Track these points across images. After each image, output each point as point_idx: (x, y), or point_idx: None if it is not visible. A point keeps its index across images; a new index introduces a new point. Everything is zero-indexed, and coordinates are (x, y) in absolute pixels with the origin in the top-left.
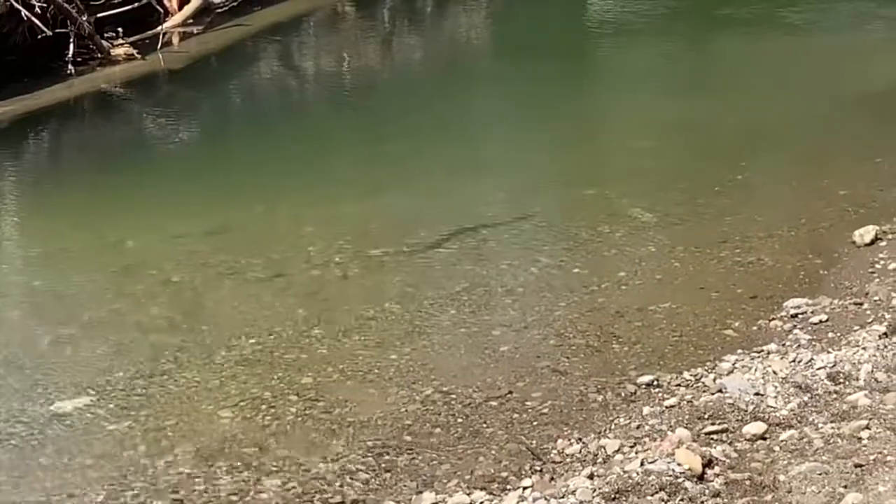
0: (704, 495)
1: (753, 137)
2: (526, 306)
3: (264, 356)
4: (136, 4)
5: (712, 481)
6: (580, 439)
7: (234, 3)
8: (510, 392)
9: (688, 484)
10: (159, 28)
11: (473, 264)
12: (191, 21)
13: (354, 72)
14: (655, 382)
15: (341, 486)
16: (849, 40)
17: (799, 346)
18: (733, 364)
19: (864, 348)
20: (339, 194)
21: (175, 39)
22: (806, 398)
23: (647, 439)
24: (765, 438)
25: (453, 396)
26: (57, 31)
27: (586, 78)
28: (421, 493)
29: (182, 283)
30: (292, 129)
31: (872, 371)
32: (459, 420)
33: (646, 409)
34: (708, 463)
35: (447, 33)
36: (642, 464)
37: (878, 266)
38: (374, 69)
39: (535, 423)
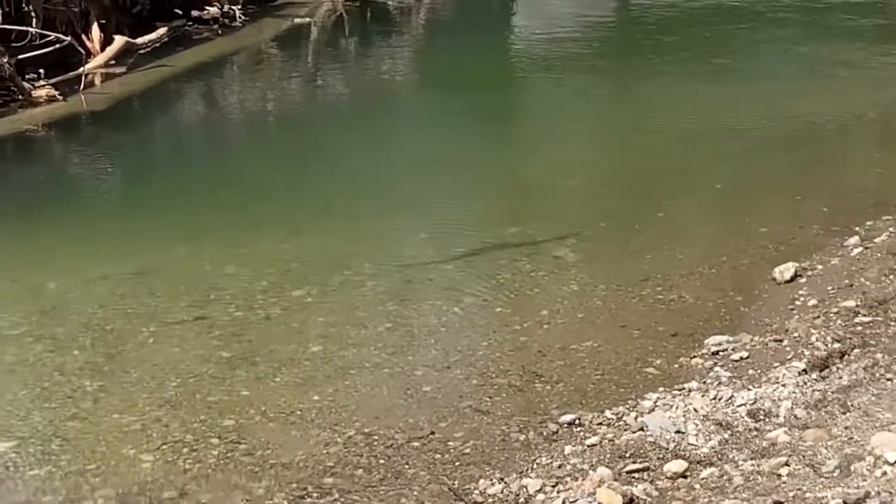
0: None
1: (675, 175)
2: (448, 346)
3: (186, 398)
4: (57, 45)
5: None
6: (502, 479)
7: (157, 45)
8: (432, 432)
9: None
10: (81, 69)
11: (396, 304)
12: (113, 62)
13: (278, 111)
14: (577, 421)
15: None
16: (772, 81)
17: (719, 383)
18: (655, 402)
19: (783, 385)
20: (262, 234)
21: (97, 80)
22: (726, 435)
23: (568, 479)
24: (685, 476)
25: (375, 437)
26: None
27: (509, 116)
28: None
29: (104, 326)
30: (215, 170)
31: (792, 408)
32: (381, 461)
33: (567, 449)
34: (629, 502)
35: (371, 72)
36: (564, 503)
37: (797, 303)
38: (297, 109)
39: (457, 464)
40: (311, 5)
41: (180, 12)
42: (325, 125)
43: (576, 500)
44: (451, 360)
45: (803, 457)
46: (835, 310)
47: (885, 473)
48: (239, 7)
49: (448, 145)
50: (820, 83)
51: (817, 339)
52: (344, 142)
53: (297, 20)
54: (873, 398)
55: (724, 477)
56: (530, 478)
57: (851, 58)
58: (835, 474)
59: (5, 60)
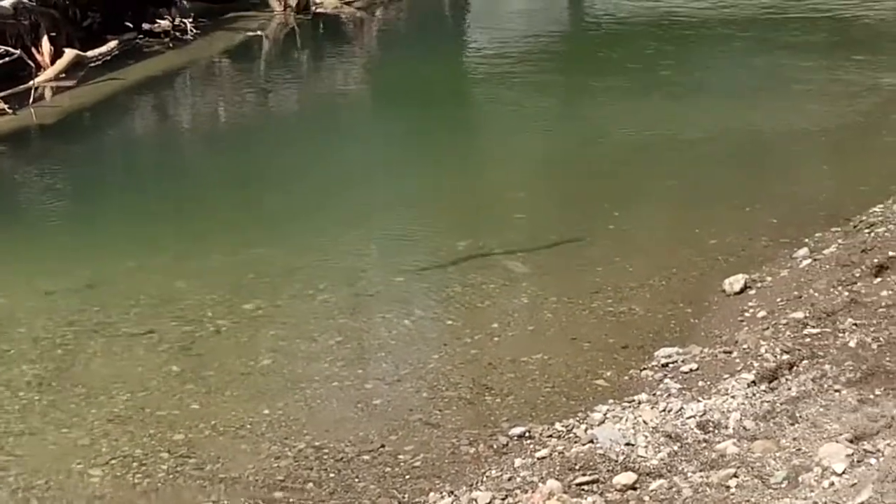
0: None
1: (625, 188)
2: (399, 359)
3: (136, 413)
4: (7, 59)
5: None
6: (452, 492)
7: (108, 58)
8: (382, 446)
9: None
10: (31, 82)
11: (347, 318)
12: (63, 75)
13: (229, 125)
14: (527, 434)
15: None
16: (722, 94)
17: (669, 395)
18: (604, 414)
19: (733, 397)
20: (212, 248)
21: (47, 94)
22: (676, 447)
23: (518, 491)
24: (635, 488)
25: (325, 451)
26: None
27: (461, 130)
28: None
29: (52, 340)
30: (165, 183)
31: (741, 419)
32: (332, 475)
33: (517, 461)
34: None
35: (323, 85)
36: None
37: (747, 314)
38: (248, 122)
39: (407, 477)
40: (263, 19)
41: (131, 25)
42: (277, 138)
43: None
44: (402, 373)
45: (752, 468)
46: (784, 321)
47: (832, 484)
48: (190, 20)
49: (399, 159)
50: (770, 96)
51: (766, 351)
52: (295, 155)
53: (249, 33)
54: (821, 409)
55: (674, 489)
56: (480, 491)
57: (802, 71)
58: (783, 485)
59: None
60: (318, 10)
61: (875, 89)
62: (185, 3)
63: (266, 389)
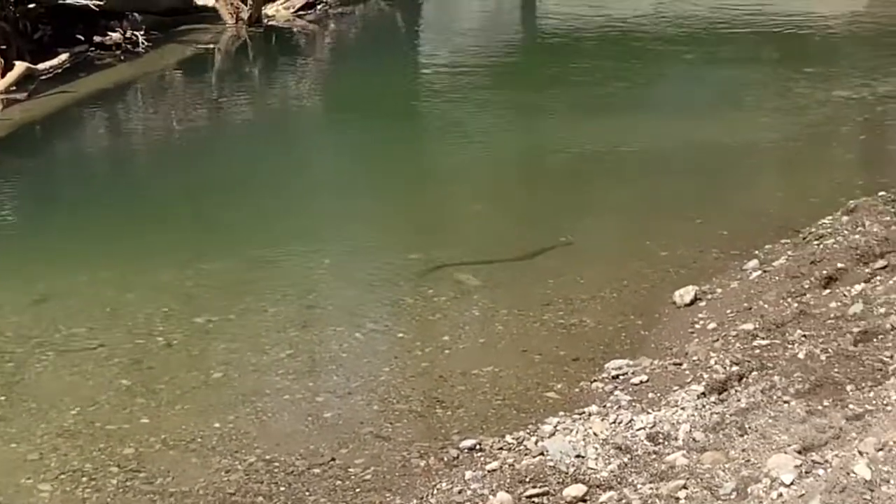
0: None
1: (576, 201)
2: (350, 372)
3: (86, 427)
4: None
5: None
6: None
7: (59, 71)
8: (333, 459)
9: None
10: None
11: (298, 330)
12: (14, 88)
13: (180, 138)
14: (478, 446)
15: None
16: (673, 107)
17: (619, 407)
18: (555, 427)
19: (682, 408)
20: (164, 261)
21: None
22: (626, 459)
23: None
24: (585, 501)
25: (276, 464)
26: None
27: (412, 143)
28: None
29: (1, 355)
30: (116, 196)
31: (690, 431)
32: (282, 488)
33: (468, 474)
34: None
35: (275, 99)
36: None
37: (697, 326)
38: (200, 135)
39: (357, 490)
40: (215, 31)
41: (82, 38)
42: (229, 152)
43: None
44: (353, 386)
45: (701, 479)
46: (733, 333)
47: (780, 495)
48: (142, 33)
49: (351, 172)
50: (721, 109)
51: (716, 363)
52: (247, 168)
53: (201, 46)
54: (770, 420)
55: (623, 501)
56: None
57: (753, 84)
58: (732, 497)
59: None
60: (270, 23)
61: (825, 102)
62: (136, 15)
63: (217, 403)
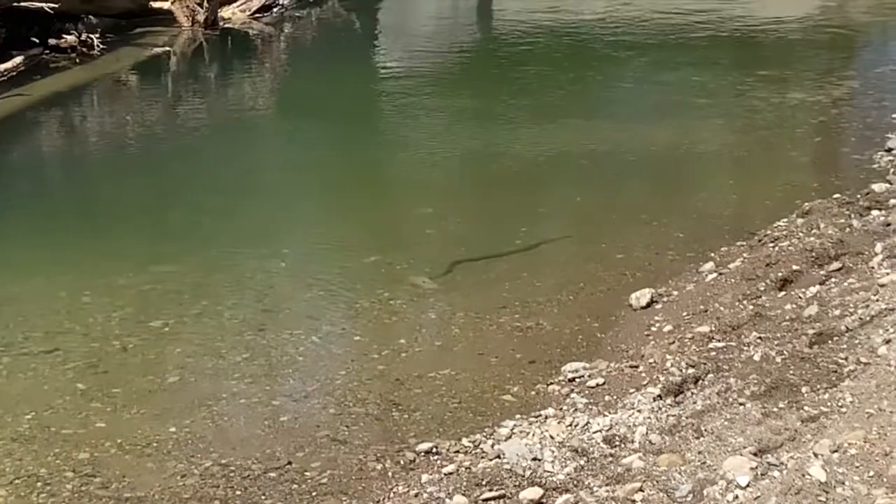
0: None
1: (533, 204)
2: (306, 376)
3: (41, 432)
4: None
5: None
6: None
7: (14, 73)
8: (289, 462)
9: None
10: None
11: (254, 334)
12: None
13: (136, 141)
14: (434, 450)
15: None
16: (630, 110)
17: (576, 409)
18: (511, 429)
19: (639, 411)
20: (119, 265)
21: None
22: (582, 462)
23: None
24: (541, 503)
25: (232, 469)
26: None
27: (368, 146)
28: None
29: None
30: (72, 200)
31: (647, 433)
32: (238, 492)
33: (424, 477)
34: None
35: (231, 101)
36: None
37: (653, 329)
38: (155, 138)
39: (314, 494)
40: (171, 34)
41: (37, 41)
42: (184, 155)
43: None
44: (309, 389)
45: (657, 482)
46: (689, 335)
47: (736, 497)
48: (97, 36)
49: (307, 175)
50: (677, 113)
51: (672, 365)
52: (203, 172)
53: (157, 49)
54: (726, 423)
55: (580, 503)
56: None
57: (709, 88)
58: (688, 499)
59: None
60: (227, 26)
61: (780, 105)
62: (92, 18)
63: (173, 407)
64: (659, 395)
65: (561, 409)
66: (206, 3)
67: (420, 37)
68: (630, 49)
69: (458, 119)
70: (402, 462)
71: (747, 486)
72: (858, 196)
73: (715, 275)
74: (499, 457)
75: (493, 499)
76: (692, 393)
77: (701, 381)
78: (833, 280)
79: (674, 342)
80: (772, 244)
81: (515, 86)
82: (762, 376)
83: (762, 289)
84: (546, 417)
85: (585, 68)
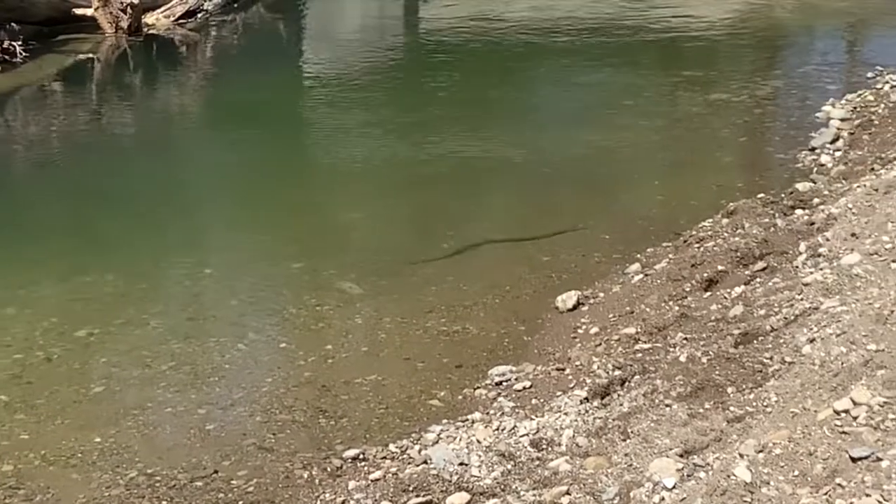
0: None
1: (459, 208)
2: (232, 383)
3: None
4: None
5: None
6: None
7: None
8: (216, 471)
9: None
10: None
11: (180, 342)
12: None
13: (60, 149)
14: (361, 456)
15: None
16: (554, 112)
17: (503, 413)
18: (438, 434)
19: (565, 414)
20: (43, 274)
21: None
22: (509, 466)
23: None
24: None
25: (158, 478)
26: None
27: (293, 152)
28: None
29: None
30: None
31: (574, 436)
32: (164, 502)
33: (351, 484)
34: None
35: (156, 108)
36: None
37: (580, 331)
38: (81, 146)
39: (240, 503)
40: (95, 41)
41: None
42: (109, 163)
43: None
44: (236, 397)
45: (584, 485)
46: (616, 337)
47: (662, 499)
48: (20, 43)
49: (232, 182)
50: (602, 115)
51: (598, 367)
52: (128, 179)
53: (81, 56)
54: (652, 424)
55: None
56: None
57: (633, 88)
58: (615, 502)
59: None
60: (151, 32)
61: (705, 105)
62: (14, 25)
63: (98, 417)
64: (586, 398)
65: (488, 413)
66: (129, 10)
67: (346, 43)
68: (555, 52)
69: (384, 125)
70: (328, 469)
71: (673, 487)
72: (783, 195)
73: (641, 276)
74: (426, 462)
75: None
76: (619, 395)
77: (627, 383)
78: (758, 280)
79: (600, 344)
80: (697, 245)
81: (441, 91)
82: (688, 377)
83: (688, 289)
84: (473, 422)
85: (511, 72)
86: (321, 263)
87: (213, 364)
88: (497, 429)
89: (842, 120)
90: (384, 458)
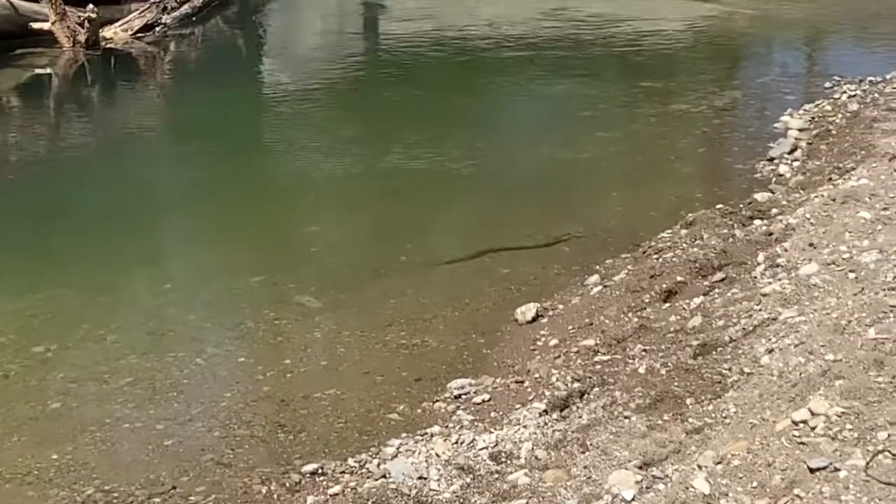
0: None
1: (418, 221)
2: (191, 398)
3: None
4: None
5: None
6: None
7: None
8: (174, 487)
9: None
10: None
11: (138, 357)
12: None
13: (17, 164)
14: (320, 471)
15: None
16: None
17: (462, 427)
18: (397, 448)
19: (525, 426)
20: None
21: None
22: (468, 480)
23: None
24: None
25: (115, 495)
26: None
27: (251, 166)
28: None
29: None
30: None
31: (533, 449)
32: None
33: (310, 499)
34: None
35: (114, 122)
36: None
37: (539, 343)
38: (38, 161)
39: None
40: (52, 55)
41: None
42: (67, 177)
43: None
44: (194, 412)
45: (543, 498)
46: (575, 349)
47: None
48: None
49: (191, 196)
50: (561, 126)
51: (558, 379)
52: (86, 194)
53: (38, 70)
54: (611, 436)
55: None
56: None
57: (592, 100)
58: None
59: None
60: (109, 46)
61: (664, 116)
62: None
63: (54, 434)
64: (545, 410)
65: (447, 426)
66: (87, 24)
67: (305, 57)
68: (515, 66)
69: (344, 138)
70: (287, 484)
71: (632, 500)
72: (741, 206)
73: (600, 287)
74: (385, 476)
75: None
76: (578, 407)
77: (587, 395)
78: (717, 290)
79: (559, 356)
80: (656, 256)
81: (402, 105)
82: (647, 389)
83: (647, 301)
84: (432, 435)
85: (470, 85)
86: (280, 277)
87: (172, 379)
88: (456, 442)
89: (800, 130)
90: (343, 472)
